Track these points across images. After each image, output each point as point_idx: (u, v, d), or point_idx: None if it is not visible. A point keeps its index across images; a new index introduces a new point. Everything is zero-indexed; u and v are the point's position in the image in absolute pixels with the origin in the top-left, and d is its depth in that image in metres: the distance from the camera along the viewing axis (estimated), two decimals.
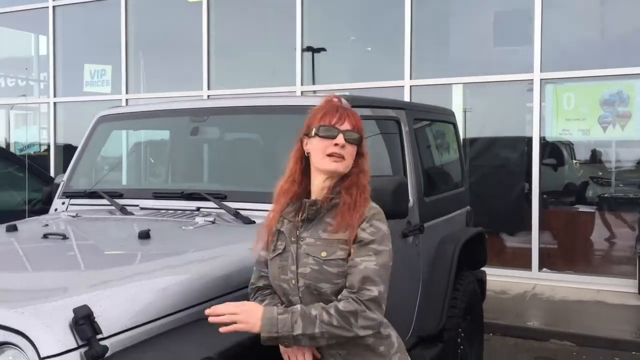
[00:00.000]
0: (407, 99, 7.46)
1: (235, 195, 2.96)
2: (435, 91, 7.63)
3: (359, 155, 1.97)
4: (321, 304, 1.82)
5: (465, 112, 7.72)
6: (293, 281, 1.90)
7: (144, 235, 2.47)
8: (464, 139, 7.28)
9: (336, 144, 1.89)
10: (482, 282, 4.51)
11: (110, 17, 9.47)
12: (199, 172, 3.64)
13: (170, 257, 2.32)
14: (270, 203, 2.82)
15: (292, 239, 1.93)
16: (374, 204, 1.97)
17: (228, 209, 2.86)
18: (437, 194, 3.98)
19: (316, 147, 1.92)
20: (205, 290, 2.12)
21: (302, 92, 8.23)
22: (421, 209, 3.58)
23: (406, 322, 3.47)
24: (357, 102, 3.11)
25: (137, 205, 3.11)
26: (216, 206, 2.91)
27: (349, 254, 1.87)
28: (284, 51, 8.47)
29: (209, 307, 2.08)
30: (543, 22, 6.93)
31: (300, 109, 3.18)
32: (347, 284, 1.85)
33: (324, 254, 1.88)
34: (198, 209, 2.98)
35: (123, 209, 3.06)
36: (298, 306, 1.83)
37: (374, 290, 1.81)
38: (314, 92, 8.26)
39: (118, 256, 2.39)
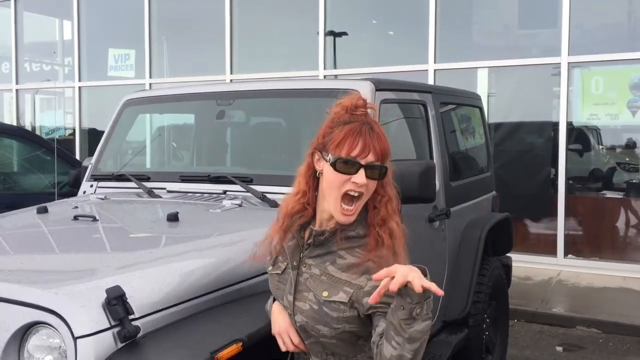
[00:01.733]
0: (431, 83, 7.39)
1: (261, 178, 2.96)
2: (460, 75, 7.53)
3: (384, 182, 1.67)
4: None
5: (490, 96, 7.61)
6: (289, 310, 1.72)
7: (173, 218, 2.49)
8: (489, 124, 7.18)
9: (354, 182, 1.60)
10: (507, 267, 4.47)
11: (134, 2, 9.50)
12: (225, 155, 3.65)
13: (199, 240, 2.34)
14: None
15: (294, 262, 1.71)
16: None
17: (255, 192, 2.86)
18: (463, 178, 3.94)
19: (330, 179, 1.63)
20: (234, 273, 2.13)
21: (324, 76, 8.19)
22: (447, 194, 3.55)
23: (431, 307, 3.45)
24: (383, 85, 3.09)
25: (164, 189, 3.13)
26: (242, 189, 2.91)
27: (351, 301, 1.60)
28: (307, 36, 8.43)
29: (237, 289, 2.10)
30: (571, 4, 6.79)
31: (327, 93, 3.17)
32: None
33: (325, 293, 1.63)
34: (224, 192, 2.99)
35: (151, 192, 3.08)
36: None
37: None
38: (336, 76, 8.22)
39: (148, 238, 2.41)
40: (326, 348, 1.69)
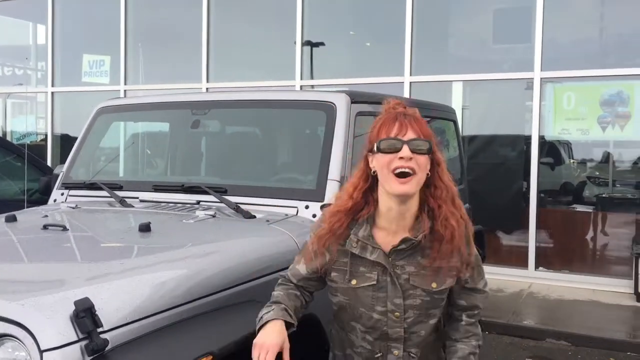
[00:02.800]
0: (406, 95, 7.45)
1: (235, 189, 2.95)
2: (435, 88, 7.62)
3: (434, 165, 1.77)
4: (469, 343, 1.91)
5: (464, 109, 7.71)
6: (397, 313, 1.81)
7: (145, 228, 2.46)
8: (462, 137, 7.26)
9: (401, 157, 1.70)
10: None
11: (110, 8, 9.42)
12: (199, 165, 3.63)
13: (171, 251, 2.31)
14: (269, 197, 2.84)
15: (389, 268, 1.80)
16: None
17: (229, 203, 2.85)
18: None
19: (381, 164, 1.74)
20: (206, 285, 2.11)
21: (301, 87, 8.21)
22: None
23: None
24: (358, 97, 3.11)
25: (137, 198, 3.10)
26: (216, 200, 2.90)
27: (457, 278, 1.85)
28: (284, 45, 8.45)
29: (209, 301, 2.08)
30: (544, 20, 6.92)
31: (302, 104, 3.19)
32: (466, 304, 1.92)
33: (434, 285, 1.80)
34: (198, 202, 2.97)
35: (123, 201, 3.05)
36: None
37: (481, 304, 1.95)
38: (312, 86, 8.24)
39: (119, 249, 2.38)
40: (428, 333, 1.87)
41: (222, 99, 3.42)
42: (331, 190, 2.78)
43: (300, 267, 1.96)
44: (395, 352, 1.87)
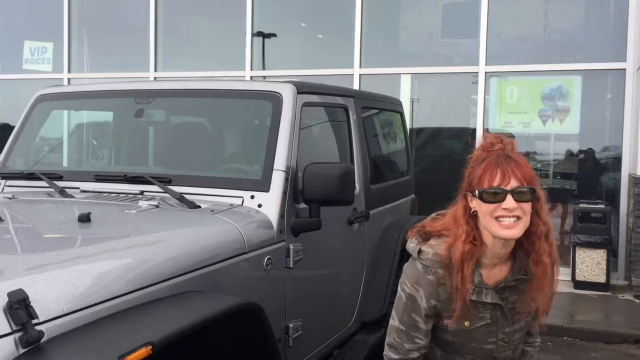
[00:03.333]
0: (356, 87, 7.51)
1: (180, 179, 2.92)
2: (384, 80, 7.71)
3: (534, 203, 1.76)
4: None
5: (412, 102, 7.83)
6: (506, 339, 1.93)
7: (84, 219, 2.41)
8: (411, 129, 7.39)
9: (505, 208, 1.72)
10: None
11: None
12: (144, 155, 3.57)
13: (111, 241, 2.27)
14: (215, 187, 2.82)
15: (502, 305, 1.89)
16: None
17: (172, 193, 2.82)
18: (383, 182, 4.04)
19: (482, 210, 1.77)
20: (148, 275, 2.08)
21: (251, 77, 8.16)
22: (367, 197, 3.62)
23: (349, 307, 3.51)
24: (305, 88, 3.12)
25: (78, 188, 3.03)
26: (161, 190, 2.86)
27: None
28: (234, 35, 8.37)
29: (149, 292, 2.06)
30: (489, 16, 7.09)
31: (249, 94, 3.18)
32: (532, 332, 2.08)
33: (533, 304, 1.91)
34: (142, 192, 2.93)
35: (62, 192, 2.97)
36: None
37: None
38: (264, 77, 8.21)
39: (56, 239, 2.32)
40: (516, 347, 1.98)
41: (167, 88, 3.38)
42: (277, 180, 2.79)
43: (421, 325, 1.90)
44: None
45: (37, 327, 1.66)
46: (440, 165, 7.59)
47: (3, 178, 3.26)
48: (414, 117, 7.76)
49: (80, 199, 2.90)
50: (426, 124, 7.88)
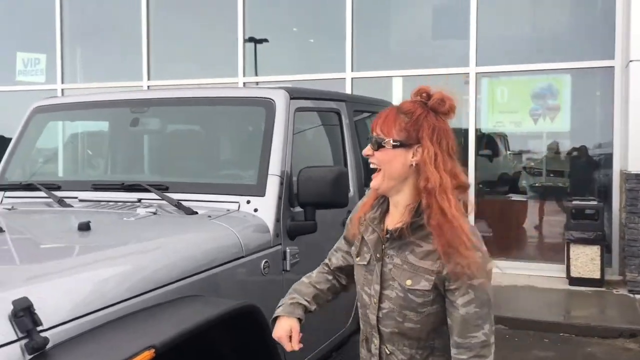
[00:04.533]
0: (348, 91, 7.57)
1: (176, 186, 2.97)
2: (376, 83, 7.77)
3: (425, 157, 1.70)
4: None
5: None
6: (375, 300, 1.81)
7: (84, 227, 2.45)
8: None
9: (367, 155, 1.78)
10: None
11: (44, 3, 9.15)
12: (140, 163, 3.62)
13: (111, 249, 2.32)
14: (211, 194, 2.87)
15: (377, 255, 1.80)
16: (471, 228, 1.69)
17: (170, 200, 2.86)
18: None
19: None
20: (148, 280, 2.13)
21: (244, 84, 8.21)
22: (361, 199, 3.66)
23: (347, 309, 3.56)
24: (297, 94, 3.18)
25: (76, 198, 3.07)
26: (158, 197, 2.91)
27: (435, 285, 1.70)
28: (226, 42, 8.42)
29: (149, 297, 2.11)
30: (478, 17, 7.17)
31: (242, 101, 3.23)
32: (451, 329, 1.70)
33: (408, 282, 1.73)
34: (139, 200, 2.97)
35: (61, 201, 3.02)
36: None
37: (479, 336, 1.67)
38: (257, 83, 8.26)
39: (57, 248, 2.36)
40: (406, 336, 1.77)
41: (161, 97, 3.42)
42: (272, 185, 2.84)
43: (339, 245, 2.06)
44: (375, 341, 1.85)
45: (42, 334, 1.70)
46: None
47: (2, 189, 3.30)
48: None
49: (79, 208, 2.94)
50: None
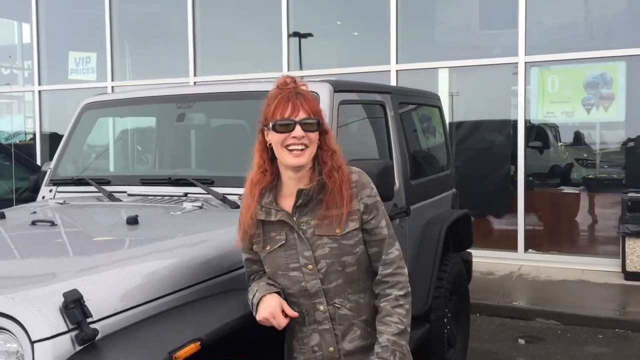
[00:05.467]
0: (393, 83, 7.49)
1: (222, 180, 2.99)
2: (422, 75, 7.66)
3: (322, 134, 1.96)
4: (389, 311, 1.93)
5: (451, 95, 7.76)
6: (310, 266, 1.92)
7: (132, 221, 2.49)
8: (450, 123, 7.33)
9: (294, 137, 1.88)
10: (468, 263, 4.57)
11: (94, 4, 9.38)
12: (186, 158, 3.66)
13: (158, 242, 2.35)
14: None
15: (294, 226, 1.94)
16: (352, 169, 2.00)
17: (215, 194, 2.88)
18: (423, 177, 4.02)
19: (275, 141, 1.92)
20: (193, 273, 2.15)
21: None
22: (407, 192, 3.62)
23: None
24: (341, 86, 3.14)
25: (125, 192, 3.13)
26: (203, 191, 2.94)
27: (361, 222, 1.94)
28: (271, 37, 8.45)
29: (196, 290, 2.13)
30: (527, 5, 6.97)
31: None
32: (375, 254, 1.97)
33: (337, 230, 1.92)
34: (186, 194, 3.01)
35: (111, 196, 3.08)
36: (388, 338, 1.90)
37: (393, 251, 1.98)
38: (301, 77, 8.24)
39: (107, 242, 2.41)
40: (347, 283, 1.95)
41: (206, 92, 3.45)
42: None
43: (244, 256, 2.09)
44: (321, 307, 1.95)
45: (92, 326, 1.74)
46: (481, 158, 7.50)
47: (54, 184, 3.39)
48: (453, 111, 7.69)
49: (128, 203, 2.99)
50: (466, 117, 7.79)
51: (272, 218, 1.96)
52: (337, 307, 1.96)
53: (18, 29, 10.85)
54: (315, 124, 1.92)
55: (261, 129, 1.98)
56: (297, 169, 1.93)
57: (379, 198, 2.01)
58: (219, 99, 3.37)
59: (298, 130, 1.89)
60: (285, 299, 1.97)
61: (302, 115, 1.90)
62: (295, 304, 1.97)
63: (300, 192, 1.93)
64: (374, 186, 2.01)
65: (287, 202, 1.97)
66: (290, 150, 1.90)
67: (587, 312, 5.34)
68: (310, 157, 1.93)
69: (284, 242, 1.95)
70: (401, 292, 1.96)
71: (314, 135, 1.92)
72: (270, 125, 1.91)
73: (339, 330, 1.96)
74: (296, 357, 2.02)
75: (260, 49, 8.75)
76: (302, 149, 1.90)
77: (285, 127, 1.89)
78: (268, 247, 1.97)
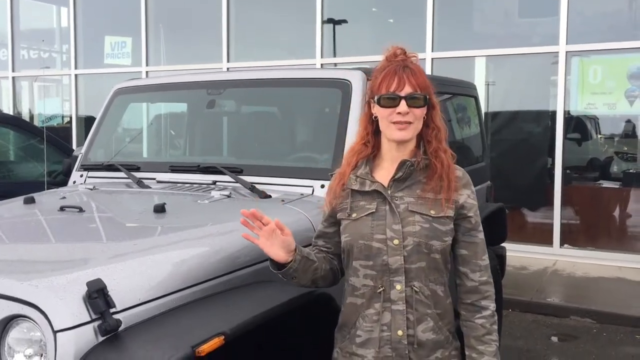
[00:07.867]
0: (428, 71, 7.34)
1: (251, 169, 2.95)
2: (458, 64, 7.49)
3: (430, 109, 1.89)
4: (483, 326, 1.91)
5: (488, 85, 7.58)
6: (396, 240, 1.84)
7: (160, 209, 2.47)
8: (486, 113, 7.16)
9: (399, 113, 1.83)
10: (501, 258, 4.46)
11: None
12: (217, 145, 3.62)
13: (184, 231, 2.32)
14: (285, 177, 2.83)
15: (387, 197, 1.88)
16: (455, 166, 1.95)
17: (244, 183, 2.84)
18: None
19: (381, 115, 1.88)
20: (219, 264, 2.11)
21: (322, 65, 8.14)
22: None
23: None
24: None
25: (154, 179, 3.11)
26: (232, 180, 2.90)
27: (454, 214, 1.89)
28: (304, 24, 8.37)
29: (222, 281, 2.09)
30: None
31: (317, 82, 3.15)
32: (465, 257, 1.91)
33: (432, 211, 1.86)
34: (214, 182, 2.97)
35: (140, 182, 3.06)
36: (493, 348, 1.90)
37: (486, 259, 1.94)
38: (335, 64, 8.17)
39: (133, 229, 2.39)
40: (430, 269, 1.86)
41: (237, 78, 3.40)
42: None
43: (321, 225, 2.06)
44: (398, 286, 1.84)
45: (115, 316, 1.71)
46: (518, 150, 7.32)
47: (85, 169, 3.39)
48: (489, 100, 7.51)
49: (156, 190, 2.98)
50: (502, 107, 7.61)
51: (366, 188, 1.91)
52: (415, 290, 1.85)
53: (57, 12, 10.99)
54: (422, 99, 1.84)
55: (367, 100, 1.94)
56: (401, 143, 1.88)
57: (477, 203, 1.95)
58: (249, 85, 3.32)
59: (403, 106, 1.82)
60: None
61: (407, 89, 1.83)
62: (371, 278, 1.88)
63: (403, 163, 1.87)
64: (474, 190, 1.97)
65: (384, 176, 1.92)
66: (395, 124, 1.85)
67: (624, 311, 5.17)
68: (415, 133, 1.88)
69: (373, 211, 1.88)
70: (493, 306, 1.92)
71: (420, 111, 1.85)
72: (376, 98, 1.87)
73: (412, 315, 1.85)
74: (360, 335, 1.90)
75: (295, 36, 8.68)
76: (407, 125, 1.85)
77: (390, 102, 1.84)
78: (354, 215, 1.90)
